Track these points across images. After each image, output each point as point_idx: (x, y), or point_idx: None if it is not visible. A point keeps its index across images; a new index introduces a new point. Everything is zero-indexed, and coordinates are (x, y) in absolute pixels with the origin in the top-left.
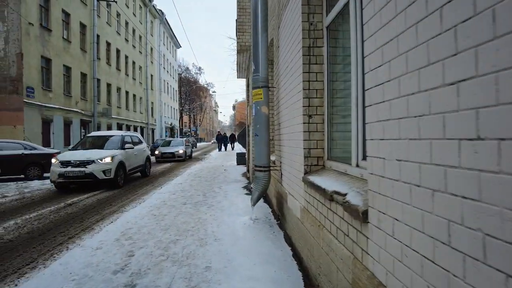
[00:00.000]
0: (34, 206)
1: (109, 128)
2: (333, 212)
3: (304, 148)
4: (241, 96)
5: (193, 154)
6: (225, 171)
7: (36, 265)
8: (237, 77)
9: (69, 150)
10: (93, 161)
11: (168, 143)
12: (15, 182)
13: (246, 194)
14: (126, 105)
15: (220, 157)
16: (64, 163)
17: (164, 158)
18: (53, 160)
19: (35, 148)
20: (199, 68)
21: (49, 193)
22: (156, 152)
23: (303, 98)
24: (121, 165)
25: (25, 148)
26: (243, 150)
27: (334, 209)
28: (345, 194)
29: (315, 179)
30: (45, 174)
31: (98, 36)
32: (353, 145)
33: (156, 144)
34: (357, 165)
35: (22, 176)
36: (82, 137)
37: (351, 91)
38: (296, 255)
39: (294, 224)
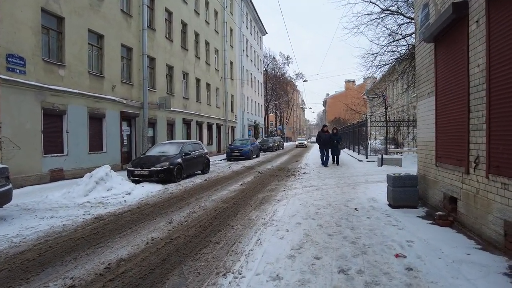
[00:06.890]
0: None
1: (170, 125)
2: None
3: None
4: (335, 87)
5: (280, 161)
6: None
7: None
8: None
9: None
10: None
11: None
12: None
13: None
14: (196, 96)
15: (331, 178)
16: None
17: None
18: None
19: None
20: (287, 57)
21: None
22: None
23: None
24: None
25: None
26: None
27: None
28: None
29: None
30: None
31: None
32: None
33: (234, 146)
34: None
35: None
36: (125, 137)
37: None
38: None
39: None
